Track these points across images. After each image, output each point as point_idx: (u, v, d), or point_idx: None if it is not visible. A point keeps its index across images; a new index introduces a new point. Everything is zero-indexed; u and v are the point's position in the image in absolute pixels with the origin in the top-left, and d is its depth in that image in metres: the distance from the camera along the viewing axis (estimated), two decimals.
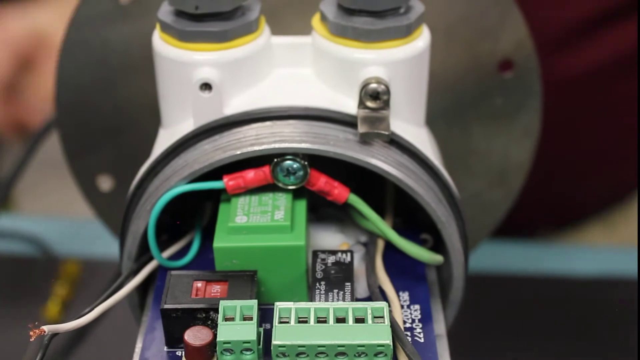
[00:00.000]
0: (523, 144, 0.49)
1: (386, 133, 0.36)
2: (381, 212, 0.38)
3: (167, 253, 0.39)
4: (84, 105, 0.46)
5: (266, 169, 0.36)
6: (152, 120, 0.42)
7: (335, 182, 0.36)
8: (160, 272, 0.38)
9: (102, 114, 0.46)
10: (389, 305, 0.35)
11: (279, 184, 0.36)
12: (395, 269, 0.38)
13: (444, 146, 0.45)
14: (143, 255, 0.38)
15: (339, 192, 0.36)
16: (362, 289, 0.37)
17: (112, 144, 0.47)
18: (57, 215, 0.73)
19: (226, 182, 0.36)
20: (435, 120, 0.44)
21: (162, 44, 0.38)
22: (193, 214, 0.40)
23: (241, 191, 0.36)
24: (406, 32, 0.37)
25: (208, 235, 0.38)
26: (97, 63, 0.45)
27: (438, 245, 0.39)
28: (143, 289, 0.39)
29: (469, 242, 0.40)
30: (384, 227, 0.37)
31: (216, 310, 0.33)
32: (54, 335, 0.33)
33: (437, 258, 0.37)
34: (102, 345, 0.53)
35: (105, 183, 0.48)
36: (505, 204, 0.51)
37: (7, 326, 0.57)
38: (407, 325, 0.35)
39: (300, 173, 0.36)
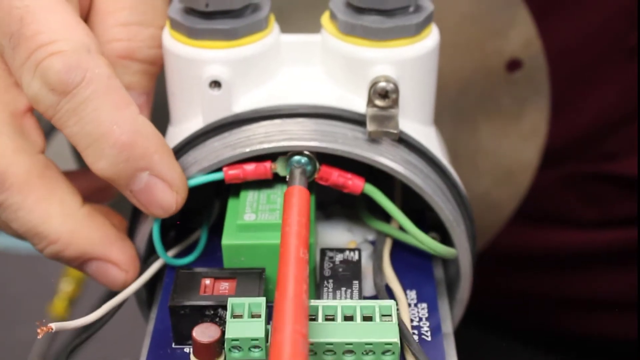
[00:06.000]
0: (531, 143, 0.49)
1: (395, 131, 0.36)
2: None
3: (174, 251, 0.39)
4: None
5: (267, 164, 0.36)
6: (160, 119, 0.42)
7: (349, 174, 0.36)
8: (168, 270, 0.38)
9: None
10: (397, 304, 0.35)
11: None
12: (402, 267, 0.38)
13: (452, 145, 0.45)
14: (152, 253, 0.38)
15: (354, 183, 0.36)
16: (369, 287, 0.37)
17: None
18: None
19: (225, 170, 0.36)
20: (443, 119, 0.44)
21: (171, 42, 0.38)
22: (201, 212, 0.40)
23: (239, 182, 0.36)
24: (415, 31, 0.37)
25: (216, 233, 0.38)
26: None
27: (445, 244, 0.39)
28: (151, 287, 0.39)
29: (476, 241, 0.40)
30: (401, 217, 0.37)
31: (224, 308, 0.33)
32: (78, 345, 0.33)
33: (452, 251, 0.37)
34: (110, 343, 0.53)
35: None
36: (512, 203, 0.51)
37: (15, 322, 0.57)
38: (415, 323, 0.36)
39: (309, 168, 0.36)
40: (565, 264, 0.61)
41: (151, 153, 0.34)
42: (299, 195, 0.34)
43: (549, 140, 0.50)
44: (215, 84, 0.37)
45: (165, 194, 0.35)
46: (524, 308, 0.64)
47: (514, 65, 0.47)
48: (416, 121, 0.39)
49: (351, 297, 0.35)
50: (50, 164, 0.36)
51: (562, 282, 0.62)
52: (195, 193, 0.36)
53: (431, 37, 0.38)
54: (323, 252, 0.37)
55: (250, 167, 0.36)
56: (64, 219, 0.36)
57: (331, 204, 0.41)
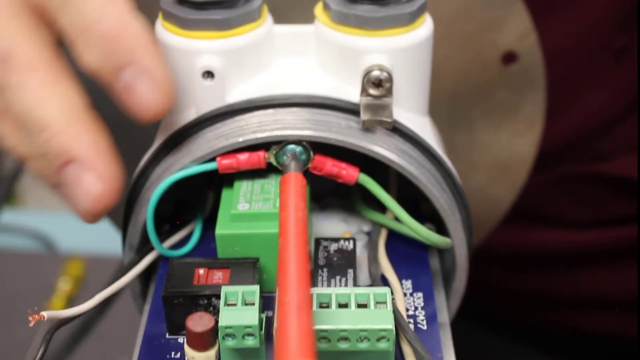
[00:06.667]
0: (527, 137, 0.49)
1: (389, 120, 0.36)
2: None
3: (168, 242, 0.39)
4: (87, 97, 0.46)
5: (261, 153, 0.36)
6: None
7: (343, 164, 0.36)
8: (162, 261, 0.38)
9: (106, 106, 0.46)
10: (392, 292, 0.34)
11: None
12: (398, 257, 0.38)
13: (447, 139, 0.45)
14: (146, 245, 0.38)
15: (348, 173, 0.36)
16: (364, 277, 0.37)
17: (116, 136, 0.47)
18: (61, 210, 0.73)
19: (219, 160, 0.36)
20: (438, 112, 0.44)
21: (164, 32, 0.37)
22: (196, 204, 0.40)
23: (232, 171, 0.36)
24: (408, 20, 0.37)
25: (210, 225, 0.38)
26: None
27: (441, 235, 0.39)
28: (146, 279, 0.39)
29: (472, 232, 0.40)
30: (395, 207, 0.37)
31: (218, 297, 0.33)
32: (57, 328, 0.33)
33: (447, 241, 0.37)
34: (105, 334, 0.53)
35: None
36: (508, 198, 0.51)
37: (13, 321, 0.57)
38: (410, 312, 0.35)
39: (303, 157, 0.36)
40: (562, 264, 0.61)
41: (137, 46, 0.33)
42: (296, 181, 0.33)
43: (543, 140, 0.50)
44: (208, 74, 0.37)
45: (149, 93, 0.34)
46: (522, 307, 0.64)
47: (509, 57, 0.47)
48: (410, 110, 0.39)
49: (346, 286, 0.35)
50: (61, 56, 0.35)
51: (560, 282, 0.62)
52: (189, 184, 0.36)
53: (425, 26, 0.38)
54: (317, 241, 0.37)
55: (243, 156, 0.36)
56: (61, 108, 0.33)
57: (326, 195, 0.41)
